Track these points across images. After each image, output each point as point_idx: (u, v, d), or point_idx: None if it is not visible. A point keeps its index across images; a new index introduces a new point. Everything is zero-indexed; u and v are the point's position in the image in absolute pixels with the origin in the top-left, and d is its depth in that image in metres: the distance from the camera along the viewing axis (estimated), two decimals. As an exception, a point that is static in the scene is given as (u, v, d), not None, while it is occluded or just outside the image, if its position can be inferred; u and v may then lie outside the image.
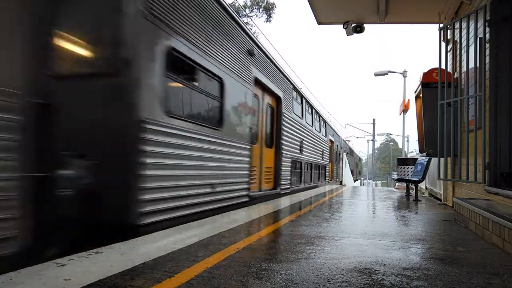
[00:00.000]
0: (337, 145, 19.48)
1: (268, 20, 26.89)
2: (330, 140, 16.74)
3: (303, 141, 10.71)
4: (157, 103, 3.70)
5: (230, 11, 5.58)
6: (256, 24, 26.60)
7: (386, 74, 18.47)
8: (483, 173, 4.80)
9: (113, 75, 3.44)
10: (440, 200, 7.69)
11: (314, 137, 12.56)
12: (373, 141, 40.38)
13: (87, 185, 3.17)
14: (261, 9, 26.58)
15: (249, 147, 6.35)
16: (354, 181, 30.21)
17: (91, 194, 3.16)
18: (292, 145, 9.42)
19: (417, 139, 9.70)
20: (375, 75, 18.69)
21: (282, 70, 8.52)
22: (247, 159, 6.26)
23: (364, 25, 7.50)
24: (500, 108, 4.62)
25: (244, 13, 25.81)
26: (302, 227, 4.00)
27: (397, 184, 16.18)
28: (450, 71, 6.34)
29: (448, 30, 6.71)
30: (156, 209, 3.69)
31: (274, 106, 8.15)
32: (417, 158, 10.66)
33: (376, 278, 2.23)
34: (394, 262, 2.62)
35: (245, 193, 6.13)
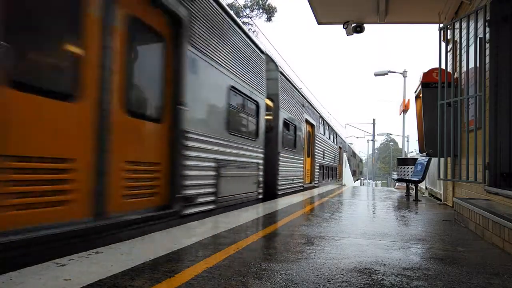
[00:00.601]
0: (344, 150, 23.93)
1: (269, 19, 26.89)
2: (339, 147, 20.88)
3: (325, 151, 15.39)
4: (281, 144, 8.63)
5: (298, 88, 10.81)
6: (257, 24, 26.61)
7: (386, 74, 18.46)
8: (483, 173, 4.80)
9: (270, 132, 8.18)
10: (440, 200, 7.69)
11: (330, 147, 17.15)
12: (373, 141, 40.38)
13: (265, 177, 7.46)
14: (261, 10, 26.56)
15: (302, 158, 11.12)
16: (355, 181, 31.06)
17: (267, 181, 7.59)
18: (319, 154, 14.05)
19: (417, 139, 9.77)
20: (375, 75, 18.68)
21: (315, 107, 13.65)
22: (302, 165, 11.05)
23: (364, 25, 7.50)
24: (500, 108, 4.62)
25: (245, 13, 25.80)
26: (302, 227, 4.00)
27: (397, 184, 16.17)
28: (450, 71, 6.34)
29: (448, 30, 6.71)
30: (280, 188, 8.59)
31: (310, 131, 12.63)
32: (417, 158, 10.65)
33: (376, 278, 2.23)
34: (394, 262, 2.62)
35: (301, 184, 10.94)
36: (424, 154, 7.61)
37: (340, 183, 19.80)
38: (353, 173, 30.93)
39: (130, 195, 3.42)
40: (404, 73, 17.87)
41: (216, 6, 5.03)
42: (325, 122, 15.63)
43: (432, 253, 2.98)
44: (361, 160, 51.25)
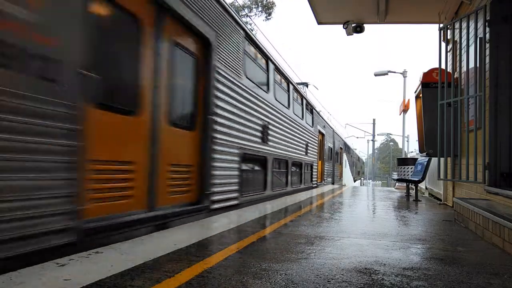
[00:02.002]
0: (353, 157, 34.61)
1: (267, 18, 26.85)
2: (351, 156, 31.22)
3: (346, 161, 24.99)
4: (334, 161, 18.24)
5: (339, 134, 22.55)
6: (256, 23, 26.54)
7: (386, 74, 18.45)
8: (483, 173, 4.80)
9: (331, 156, 17.40)
10: (440, 200, 7.69)
11: (348, 157, 26.69)
12: (373, 141, 40.34)
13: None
14: (259, 8, 26.52)
15: (339, 166, 20.67)
16: (355, 181, 32.31)
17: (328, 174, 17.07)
18: (345, 163, 23.94)
19: (417, 139, 9.78)
20: (375, 75, 18.67)
21: (343, 139, 24.77)
22: (339, 169, 20.59)
23: (364, 25, 7.49)
24: (500, 108, 4.62)
25: (244, 12, 25.78)
26: (302, 227, 4.00)
27: (397, 184, 16.18)
28: (450, 71, 6.33)
29: (448, 30, 6.71)
30: (334, 180, 18.43)
31: (340, 151, 21.30)
32: (417, 158, 10.65)
33: (376, 278, 2.23)
34: (394, 262, 2.62)
35: (339, 178, 20.99)
36: (424, 154, 7.61)
37: (351, 183, 29.21)
38: (358, 173, 40.58)
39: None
40: (404, 73, 17.87)
41: (343, 142, 22.92)
42: (346, 144, 26.61)
43: (432, 253, 2.98)
44: (363, 163, 53.75)
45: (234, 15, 5.44)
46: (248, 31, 5.98)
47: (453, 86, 5.83)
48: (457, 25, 6.03)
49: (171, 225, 3.75)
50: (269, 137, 6.91)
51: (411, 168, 11.19)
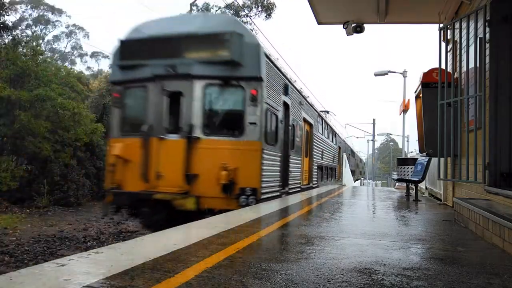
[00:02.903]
0: (356, 159, 39.41)
1: (267, 18, 26.80)
2: (355, 159, 35.53)
3: (346, 161, 26.36)
4: (345, 165, 22.50)
5: (343, 139, 25.91)
6: (256, 23, 26.49)
7: (386, 74, 18.46)
8: (483, 173, 4.79)
9: (339, 161, 20.87)
10: (440, 200, 7.69)
11: (352, 160, 30.23)
12: (373, 141, 40.39)
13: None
14: (259, 8, 26.48)
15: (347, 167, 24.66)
16: (355, 181, 33.03)
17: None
18: (344, 163, 24.81)
19: (417, 139, 9.83)
20: (375, 75, 18.68)
21: (351, 147, 32.07)
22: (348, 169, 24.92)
23: (364, 25, 7.48)
24: (500, 108, 4.62)
25: (244, 12, 25.79)
26: (302, 227, 4.00)
27: (397, 184, 16.17)
28: (450, 71, 6.33)
29: (448, 30, 6.71)
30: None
31: (348, 156, 25.28)
32: (417, 158, 10.65)
33: (376, 278, 2.23)
34: (394, 262, 2.62)
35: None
36: (424, 154, 7.61)
37: (356, 178, 33.42)
38: (360, 173, 44.74)
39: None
40: (404, 73, 17.88)
41: (350, 149, 29.71)
42: (352, 150, 32.08)
43: (432, 253, 2.98)
44: (364, 164, 54.71)
45: (318, 110, 13.24)
46: (318, 112, 13.16)
47: (453, 86, 5.83)
48: (457, 25, 6.03)
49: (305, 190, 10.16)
50: (323, 156, 14.01)
51: (411, 168, 11.17)
